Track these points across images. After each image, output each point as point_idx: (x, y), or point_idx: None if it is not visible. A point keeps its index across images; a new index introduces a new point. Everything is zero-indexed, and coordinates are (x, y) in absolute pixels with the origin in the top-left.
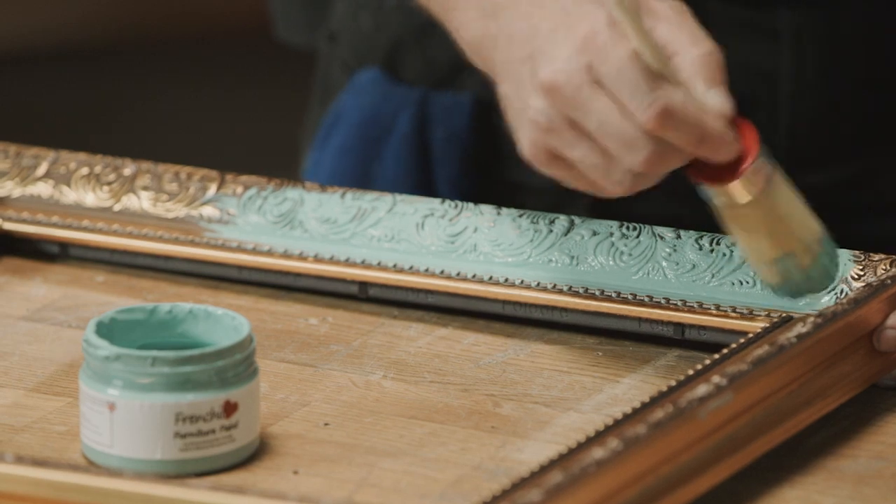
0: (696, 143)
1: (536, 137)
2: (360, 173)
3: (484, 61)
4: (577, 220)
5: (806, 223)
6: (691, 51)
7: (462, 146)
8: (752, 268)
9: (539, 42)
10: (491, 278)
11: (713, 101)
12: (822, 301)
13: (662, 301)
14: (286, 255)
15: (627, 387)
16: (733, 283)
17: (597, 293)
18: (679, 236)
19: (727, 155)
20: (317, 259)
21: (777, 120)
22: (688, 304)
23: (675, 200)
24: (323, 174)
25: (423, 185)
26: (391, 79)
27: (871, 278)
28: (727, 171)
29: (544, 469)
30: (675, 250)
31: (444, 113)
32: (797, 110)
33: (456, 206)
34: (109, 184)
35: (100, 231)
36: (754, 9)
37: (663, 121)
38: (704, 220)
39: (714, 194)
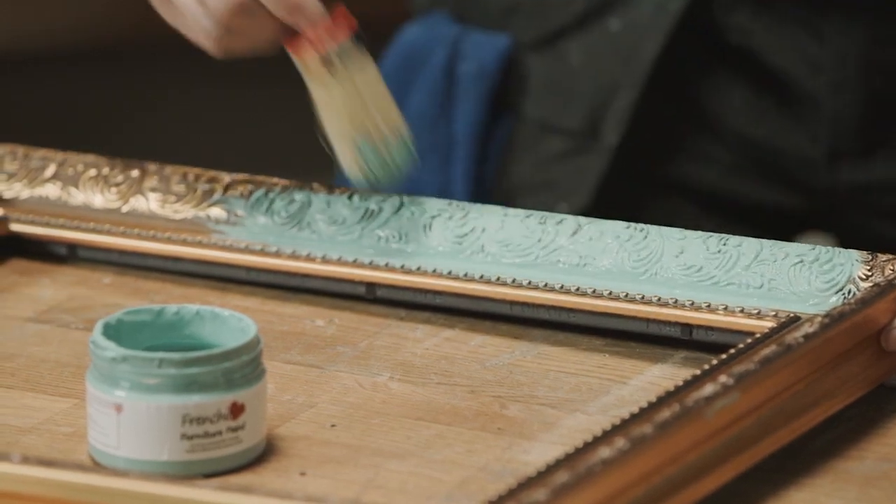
0: (281, 8)
1: None
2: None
3: None
4: (584, 220)
5: (390, 114)
6: None
7: (488, 83)
8: (332, 147)
9: None
10: (498, 279)
11: None
12: (830, 301)
13: (670, 302)
14: (294, 257)
15: (634, 388)
16: (741, 284)
17: (604, 294)
18: (686, 237)
19: (315, 27)
20: (324, 260)
21: (819, 113)
22: (695, 304)
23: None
24: None
25: (444, 121)
26: (451, 19)
27: (878, 278)
28: (314, 44)
29: (550, 469)
30: (682, 251)
31: (476, 50)
32: (838, 104)
33: (463, 206)
34: (117, 185)
35: (107, 232)
36: (804, 8)
37: None
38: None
39: (302, 67)
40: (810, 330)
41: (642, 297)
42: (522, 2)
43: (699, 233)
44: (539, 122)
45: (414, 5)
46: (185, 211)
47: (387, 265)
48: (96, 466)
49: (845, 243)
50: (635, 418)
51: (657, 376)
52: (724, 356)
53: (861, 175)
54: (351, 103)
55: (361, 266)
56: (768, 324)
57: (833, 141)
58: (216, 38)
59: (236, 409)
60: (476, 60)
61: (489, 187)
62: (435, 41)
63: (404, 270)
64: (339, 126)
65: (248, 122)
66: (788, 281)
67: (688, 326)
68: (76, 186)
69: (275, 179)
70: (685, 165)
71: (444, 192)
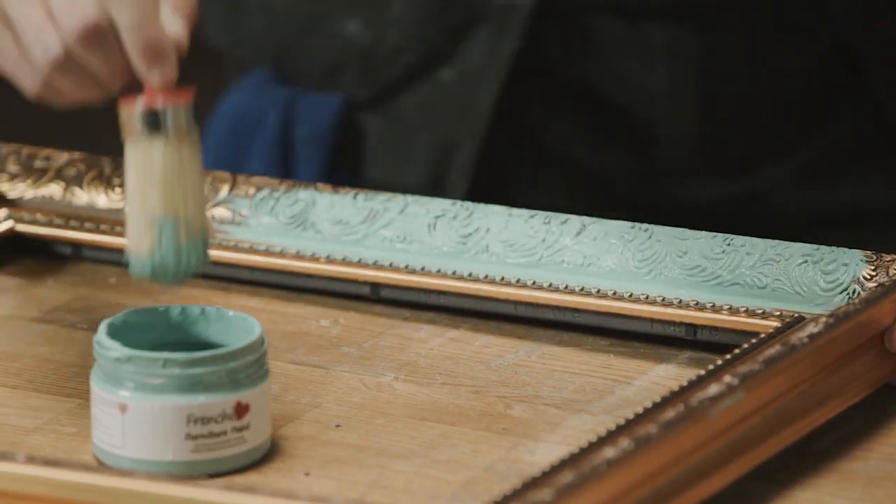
0: (141, 47)
1: None
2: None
3: None
4: (588, 220)
5: (201, 204)
6: None
7: (325, 146)
8: (127, 221)
9: None
10: (503, 279)
11: (172, 24)
12: (835, 301)
13: (674, 302)
14: (298, 257)
15: (639, 389)
16: (745, 284)
17: (609, 294)
18: (690, 237)
19: (161, 74)
20: (329, 260)
21: (657, 134)
22: (700, 304)
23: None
24: None
25: None
26: (276, 79)
27: (882, 278)
28: (153, 98)
29: (555, 469)
30: (686, 251)
31: (309, 112)
32: (675, 125)
33: (468, 206)
34: (121, 185)
35: (112, 232)
36: (631, 25)
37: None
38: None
39: (127, 121)
40: (815, 330)
41: (646, 298)
42: (350, 59)
43: (703, 233)
44: (380, 182)
45: (231, 64)
46: None
47: (391, 265)
48: (101, 466)
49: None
50: (640, 418)
51: (661, 376)
52: (728, 356)
53: (699, 195)
54: (168, 175)
55: (366, 266)
56: (773, 324)
57: (669, 164)
58: (50, 65)
59: (241, 410)
60: (310, 124)
61: None
62: (265, 105)
63: (409, 270)
64: (145, 197)
65: None
66: (793, 281)
67: (692, 326)
68: (80, 186)
69: (279, 179)
70: (527, 193)
71: None
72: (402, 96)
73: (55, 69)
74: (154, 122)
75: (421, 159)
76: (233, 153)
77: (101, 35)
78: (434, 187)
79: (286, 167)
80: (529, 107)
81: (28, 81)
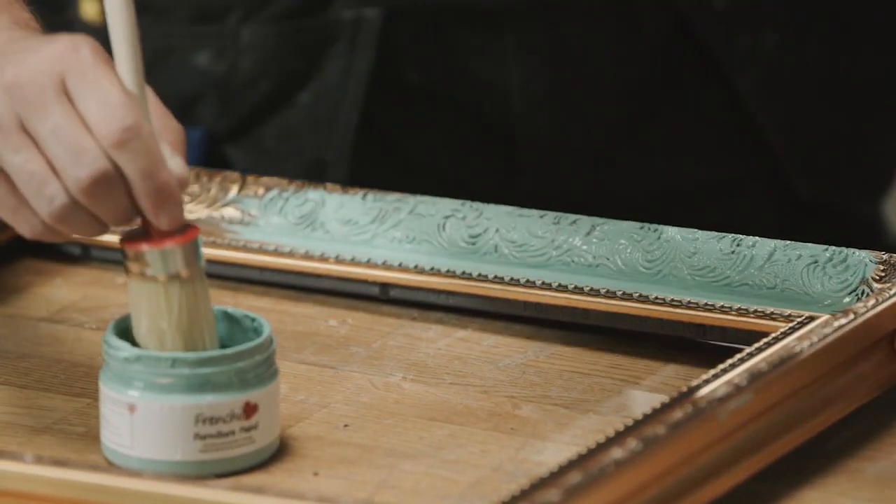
0: (153, 193)
1: None
2: None
3: None
4: (598, 221)
5: (214, 333)
6: (162, 120)
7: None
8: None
9: (8, 50)
10: (511, 279)
11: (174, 164)
12: (844, 302)
13: (683, 302)
14: (307, 257)
15: (647, 389)
16: (754, 285)
17: (617, 294)
18: (699, 238)
19: (172, 217)
20: (338, 260)
21: (513, 135)
22: (708, 305)
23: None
24: None
25: None
26: None
27: (892, 279)
28: (154, 237)
29: (563, 469)
30: (695, 252)
31: None
32: (531, 125)
33: (477, 207)
34: None
35: (121, 233)
36: (484, 30)
37: (130, 139)
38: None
39: (135, 257)
40: (824, 331)
41: (655, 298)
42: (205, 90)
43: (712, 233)
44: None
45: None
46: (198, 211)
47: (400, 265)
48: (109, 466)
49: None
50: (648, 419)
51: (670, 377)
52: (737, 357)
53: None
54: (186, 316)
55: (375, 266)
56: (781, 325)
57: (529, 161)
58: (55, 217)
59: (249, 409)
60: None
61: None
62: None
63: (417, 271)
64: (163, 338)
65: None
66: (802, 282)
67: (701, 327)
68: None
69: (288, 180)
70: None
71: None
72: (263, 124)
73: (58, 219)
74: (166, 262)
75: None
76: None
77: (109, 183)
78: None
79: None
80: (392, 120)
81: (27, 228)
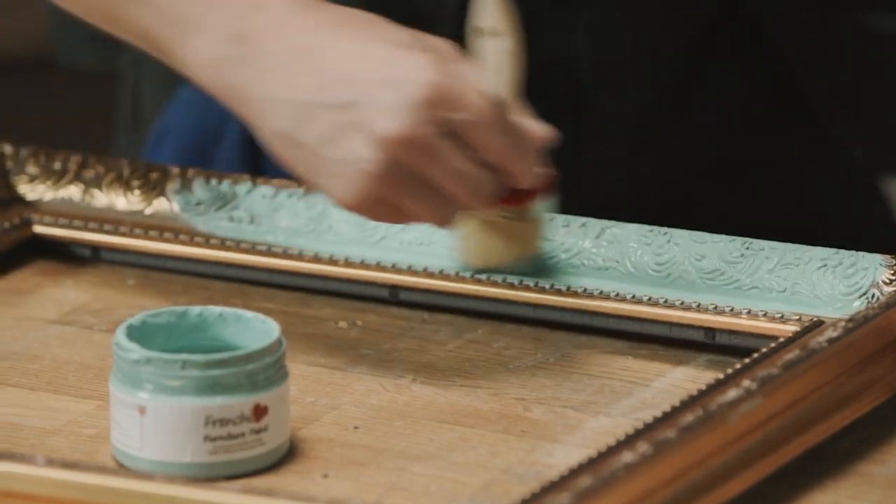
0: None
1: (369, 189)
2: None
3: (223, 88)
4: (607, 224)
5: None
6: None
7: None
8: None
9: (356, 89)
10: (521, 282)
11: (539, 128)
12: (854, 305)
13: (693, 305)
14: (317, 259)
15: (657, 391)
16: (764, 288)
17: (627, 297)
18: (709, 241)
19: (526, 180)
20: (347, 263)
21: (583, 107)
22: (718, 308)
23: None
24: None
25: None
26: None
27: None
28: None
29: (574, 473)
30: (705, 255)
31: None
32: (602, 97)
33: None
34: (140, 187)
35: (131, 234)
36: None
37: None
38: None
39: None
40: (834, 334)
41: (665, 301)
42: None
43: (722, 236)
44: None
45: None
46: (207, 213)
47: (410, 268)
48: (120, 468)
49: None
50: (659, 423)
51: (680, 379)
52: (747, 360)
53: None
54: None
55: (385, 269)
56: (792, 328)
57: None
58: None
59: (259, 411)
60: None
61: None
62: (223, 113)
63: (427, 273)
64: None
65: None
66: (812, 285)
67: (711, 330)
68: (99, 188)
69: (297, 182)
70: None
71: None
72: None
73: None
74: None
75: None
76: (197, 164)
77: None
78: None
79: (257, 167)
80: None
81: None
